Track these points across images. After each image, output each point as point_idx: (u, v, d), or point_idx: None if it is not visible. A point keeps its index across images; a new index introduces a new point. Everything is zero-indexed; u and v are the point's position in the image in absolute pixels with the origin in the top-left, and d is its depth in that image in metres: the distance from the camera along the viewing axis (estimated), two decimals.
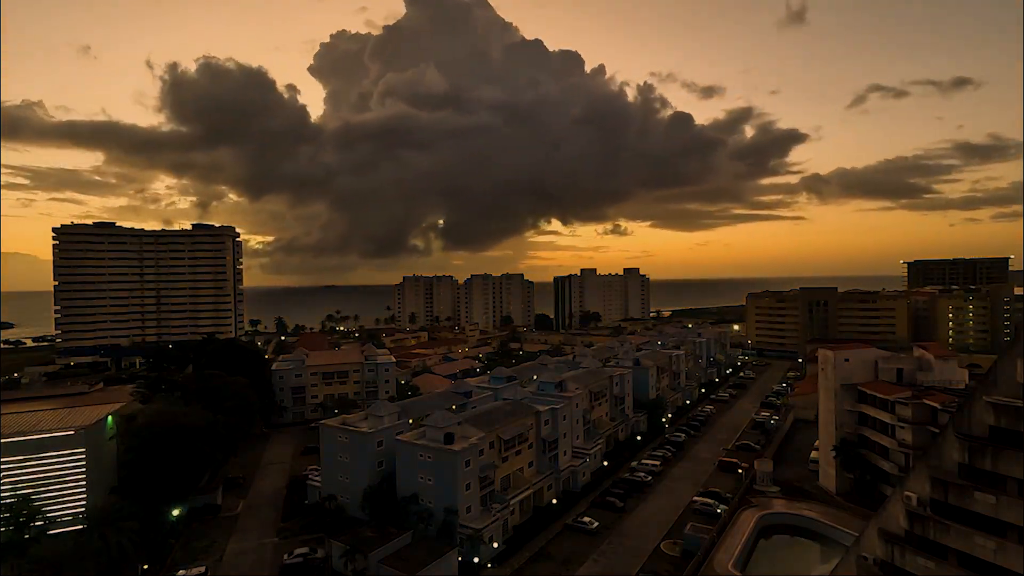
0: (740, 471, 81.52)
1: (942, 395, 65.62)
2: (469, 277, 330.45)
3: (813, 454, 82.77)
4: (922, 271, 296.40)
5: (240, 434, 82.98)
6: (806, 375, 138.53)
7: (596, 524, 65.57)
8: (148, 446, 63.86)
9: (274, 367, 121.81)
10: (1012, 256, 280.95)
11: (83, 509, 58.63)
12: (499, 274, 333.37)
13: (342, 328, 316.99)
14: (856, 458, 71.53)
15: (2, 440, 58.42)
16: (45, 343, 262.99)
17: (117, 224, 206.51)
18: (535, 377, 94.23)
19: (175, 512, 65.11)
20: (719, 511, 67.51)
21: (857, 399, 73.05)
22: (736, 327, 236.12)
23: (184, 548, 62.33)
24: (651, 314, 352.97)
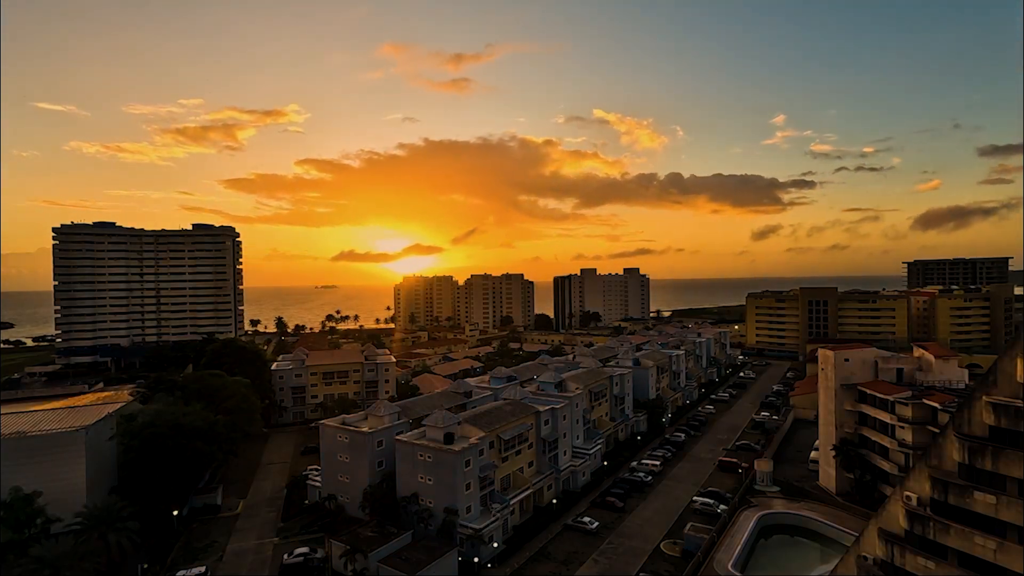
0: (740, 471, 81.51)
1: (942, 395, 65.60)
2: (469, 277, 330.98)
3: (813, 454, 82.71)
4: (922, 271, 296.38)
5: (240, 434, 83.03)
6: (806, 375, 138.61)
7: (596, 524, 65.56)
8: (148, 446, 63.85)
9: (274, 367, 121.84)
10: (1012, 256, 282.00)
11: (83, 509, 58.49)
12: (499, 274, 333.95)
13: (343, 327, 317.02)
14: (856, 458, 71.45)
15: (2, 440, 58.36)
16: (45, 343, 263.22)
17: (117, 224, 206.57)
18: (535, 377, 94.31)
19: (175, 512, 65.08)
20: (719, 511, 67.50)
21: (857, 399, 73.02)
22: (736, 327, 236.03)
23: (184, 548, 62.40)
24: (651, 314, 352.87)
